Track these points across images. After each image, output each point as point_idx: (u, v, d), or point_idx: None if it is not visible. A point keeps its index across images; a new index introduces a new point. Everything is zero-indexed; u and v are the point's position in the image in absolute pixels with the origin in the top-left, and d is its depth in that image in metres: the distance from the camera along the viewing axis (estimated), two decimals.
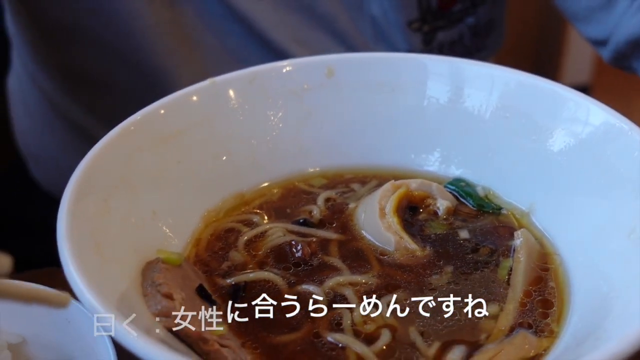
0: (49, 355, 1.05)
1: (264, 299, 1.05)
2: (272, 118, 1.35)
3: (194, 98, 1.27)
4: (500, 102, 1.28)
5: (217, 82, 1.30)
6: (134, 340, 0.78)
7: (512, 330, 1.00)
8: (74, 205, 0.97)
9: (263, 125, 1.34)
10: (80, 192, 1.00)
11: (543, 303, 1.05)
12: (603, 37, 1.60)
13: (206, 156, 1.27)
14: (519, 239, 1.14)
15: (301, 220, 1.22)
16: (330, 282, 1.08)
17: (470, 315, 1.02)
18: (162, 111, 1.22)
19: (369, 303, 1.04)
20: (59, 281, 0.87)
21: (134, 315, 0.87)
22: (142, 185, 1.14)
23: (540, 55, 4.24)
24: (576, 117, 1.18)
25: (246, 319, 1.02)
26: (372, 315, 1.02)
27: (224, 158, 1.29)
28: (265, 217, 1.25)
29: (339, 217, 1.24)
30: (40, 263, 1.28)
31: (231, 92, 1.31)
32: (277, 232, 1.19)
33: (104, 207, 1.03)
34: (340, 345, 0.98)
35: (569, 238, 1.13)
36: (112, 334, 0.81)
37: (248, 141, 1.32)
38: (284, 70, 1.36)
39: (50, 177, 2.11)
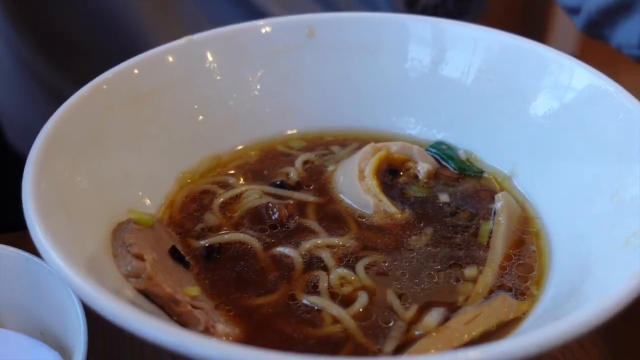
0: (17, 318, 1.03)
1: (238, 261, 1.04)
2: (250, 79, 1.32)
3: (169, 57, 1.24)
4: (483, 64, 1.26)
5: (194, 40, 1.26)
6: (102, 302, 0.75)
7: (491, 293, 0.99)
8: (40, 164, 0.93)
9: (241, 86, 1.31)
10: (48, 150, 0.96)
11: (523, 267, 1.04)
12: (576, 4, 1.59)
13: (181, 117, 1.24)
14: (499, 202, 1.12)
15: (278, 183, 1.21)
16: (307, 245, 1.06)
17: (448, 278, 1.01)
18: (136, 70, 1.19)
19: (346, 265, 1.03)
20: (32, 244, 0.84)
21: (102, 276, 0.84)
22: (115, 145, 1.11)
23: (527, 26, 4.21)
24: (560, 80, 1.16)
25: (220, 281, 1.01)
26: (349, 277, 1.00)
27: (200, 119, 1.26)
28: (241, 179, 1.23)
29: (317, 180, 1.23)
30: (15, 227, 1.25)
31: (208, 52, 1.28)
32: (253, 194, 1.17)
33: (72, 167, 1.00)
34: (316, 307, 0.96)
35: (551, 202, 1.12)
36: (80, 296, 0.78)
37: (225, 102, 1.29)
38: (264, 30, 1.33)
39: (25, 141, 2.07)
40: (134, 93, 1.17)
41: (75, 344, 0.93)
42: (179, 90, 1.24)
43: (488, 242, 1.08)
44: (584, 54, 1.18)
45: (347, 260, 1.04)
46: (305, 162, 1.27)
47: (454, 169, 1.24)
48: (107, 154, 1.09)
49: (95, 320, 0.89)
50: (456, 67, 1.28)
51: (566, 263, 1.01)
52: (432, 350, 0.89)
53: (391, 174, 1.22)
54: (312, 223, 1.11)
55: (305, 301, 0.97)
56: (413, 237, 1.09)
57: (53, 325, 1.01)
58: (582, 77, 1.13)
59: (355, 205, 1.15)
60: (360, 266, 1.02)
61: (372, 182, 1.16)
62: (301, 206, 1.16)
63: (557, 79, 1.17)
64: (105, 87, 1.12)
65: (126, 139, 1.14)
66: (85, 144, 1.05)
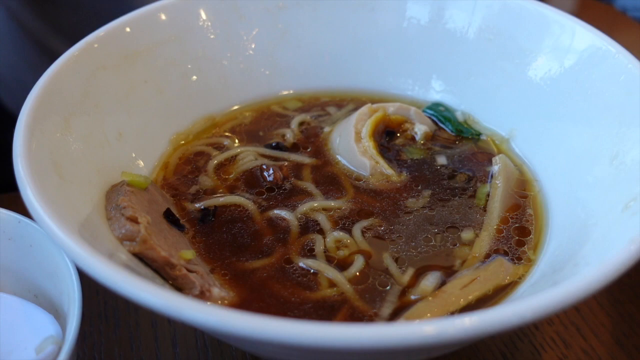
0: (10, 280, 1.02)
1: (233, 224, 1.03)
2: (245, 37, 1.29)
3: (162, 15, 1.21)
4: (483, 23, 1.23)
5: None
6: (96, 266, 0.74)
7: (487, 257, 0.99)
8: (31, 123, 0.92)
9: (235, 44, 1.28)
10: (39, 109, 0.95)
11: (520, 230, 1.03)
12: None
13: (175, 76, 1.22)
14: (497, 165, 1.12)
15: (273, 144, 1.19)
16: (303, 208, 1.05)
17: (445, 242, 1.01)
18: (128, 29, 1.16)
19: (342, 228, 1.02)
20: (24, 206, 0.83)
21: (95, 239, 0.83)
22: (107, 104, 1.09)
23: None
24: (561, 40, 1.14)
25: (215, 244, 1.00)
26: (346, 241, 1.00)
27: (194, 79, 1.24)
28: (237, 141, 1.22)
29: (313, 141, 1.21)
30: (7, 189, 1.24)
31: (202, 9, 1.25)
32: (248, 155, 1.16)
33: (64, 127, 0.99)
34: (312, 271, 0.96)
35: (549, 165, 1.11)
36: (73, 259, 0.77)
37: (219, 61, 1.27)
38: None
39: (17, 99, 2.04)
40: (125, 52, 1.15)
41: (69, 306, 0.93)
42: (172, 49, 1.21)
43: (485, 206, 1.07)
44: (581, 16, 1.16)
45: (344, 223, 1.03)
46: (301, 123, 1.25)
47: (452, 130, 1.23)
48: (99, 114, 1.07)
49: (89, 283, 0.88)
50: (455, 26, 1.26)
51: (564, 227, 1.00)
52: (428, 315, 0.89)
53: (388, 136, 1.20)
54: (308, 185, 1.11)
55: (301, 264, 0.97)
56: (410, 200, 1.08)
57: (47, 287, 1.00)
58: (584, 37, 1.11)
59: (351, 167, 1.15)
60: (356, 229, 1.02)
61: (368, 144, 1.15)
62: (297, 168, 1.15)
63: (558, 40, 1.15)
64: (96, 45, 1.10)
65: (119, 98, 1.12)
66: (78, 103, 1.03)
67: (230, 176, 1.13)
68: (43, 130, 0.93)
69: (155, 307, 0.69)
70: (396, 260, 0.97)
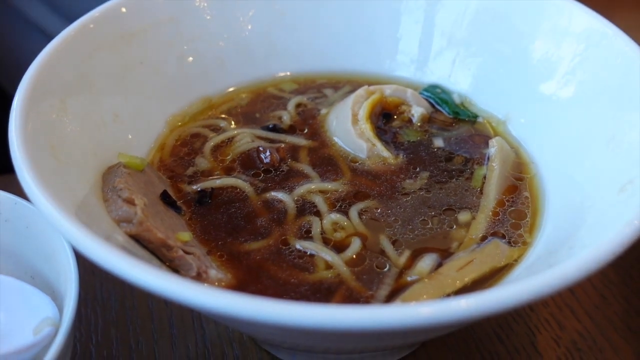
0: (7, 261, 1.02)
1: (230, 206, 1.03)
2: (242, 18, 1.28)
3: None
4: (480, 5, 1.23)
5: None
6: (92, 247, 0.74)
7: (483, 239, 0.99)
8: (27, 104, 0.91)
9: (232, 25, 1.27)
10: (35, 90, 0.94)
11: (516, 213, 1.03)
12: None
13: (171, 57, 1.21)
14: (493, 147, 1.11)
15: (270, 126, 1.19)
16: (300, 190, 1.05)
17: (442, 224, 1.01)
18: (124, 9, 1.15)
19: (339, 211, 1.02)
20: (21, 187, 0.82)
21: (92, 221, 0.83)
22: (103, 86, 1.09)
23: None
24: (559, 23, 1.14)
25: (212, 226, 1.00)
26: (343, 223, 1.00)
27: (190, 60, 1.23)
28: (233, 122, 1.21)
29: (310, 123, 1.21)
30: (2, 170, 1.23)
31: None
32: (245, 137, 1.16)
33: (60, 107, 0.98)
34: (308, 252, 0.96)
35: (546, 148, 1.11)
36: (70, 241, 0.77)
37: (215, 42, 1.26)
38: None
39: (13, 80, 2.03)
40: (121, 32, 1.14)
41: (66, 287, 0.93)
42: (168, 30, 1.21)
43: (482, 188, 1.07)
44: None
45: (340, 205, 1.04)
46: (298, 105, 1.25)
47: (449, 113, 1.23)
48: (95, 95, 1.07)
49: (86, 265, 0.88)
50: (452, 8, 1.26)
51: (560, 210, 1.01)
52: (425, 297, 0.89)
53: (385, 118, 1.20)
54: (305, 167, 1.11)
55: (298, 246, 0.97)
56: (407, 182, 1.08)
57: (43, 269, 1.00)
58: (581, 19, 1.11)
59: (348, 149, 1.15)
60: (353, 211, 1.02)
61: (365, 126, 1.15)
62: (294, 150, 1.14)
63: (555, 22, 1.14)
64: (92, 26, 1.09)
65: (115, 80, 1.11)
66: (73, 84, 1.03)
67: (227, 158, 1.13)
68: (39, 112, 0.93)
69: (152, 289, 0.69)
70: (393, 242, 0.98)
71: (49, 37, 1.03)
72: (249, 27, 1.29)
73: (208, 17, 1.25)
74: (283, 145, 1.14)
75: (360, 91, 1.19)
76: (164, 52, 1.20)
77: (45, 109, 0.95)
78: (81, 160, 0.97)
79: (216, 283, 0.90)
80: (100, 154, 1.01)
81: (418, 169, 1.11)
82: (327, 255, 0.95)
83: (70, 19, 1.08)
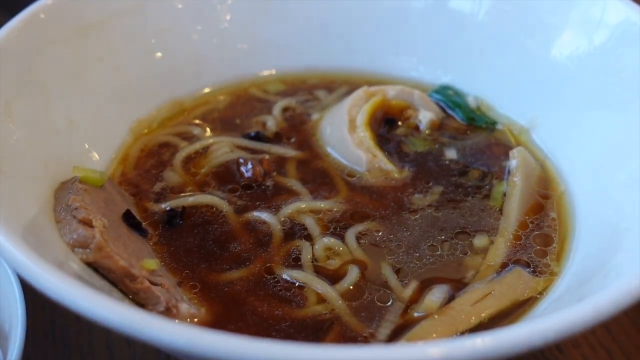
0: None
1: (205, 228, 1.04)
2: (219, 7, 1.30)
3: None
4: None
5: None
6: (42, 277, 0.74)
7: (503, 267, 0.99)
8: None
9: (207, 15, 1.29)
10: None
11: (542, 237, 1.04)
12: None
13: (136, 53, 1.22)
14: (514, 160, 1.12)
15: (252, 134, 1.19)
16: (288, 209, 1.06)
17: (454, 250, 1.01)
18: None
19: (333, 234, 1.02)
20: None
21: (42, 246, 0.84)
22: (56, 86, 1.09)
23: None
24: (590, 13, 1.15)
25: (183, 252, 1.00)
26: (337, 248, 1.00)
27: (158, 56, 1.25)
28: (208, 130, 1.22)
29: (299, 131, 1.22)
30: None
31: None
32: (222, 147, 1.16)
33: (5, 112, 0.99)
34: (297, 283, 0.96)
35: (576, 159, 1.12)
36: (16, 269, 0.78)
37: (188, 35, 1.28)
38: None
39: None
40: (78, 24, 1.15)
41: (11, 325, 0.93)
42: (133, 20, 1.22)
43: (501, 207, 1.08)
44: None
45: (335, 227, 1.04)
46: (285, 110, 1.26)
47: (462, 119, 1.24)
48: (46, 97, 1.07)
49: (35, 297, 0.88)
50: None
51: (592, 232, 1.01)
52: (434, 335, 0.89)
53: (387, 124, 1.21)
54: (293, 182, 1.11)
55: (284, 276, 0.97)
56: (413, 200, 1.09)
57: None
58: (617, 10, 1.12)
59: (344, 162, 1.15)
60: (350, 235, 1.02)
61: (364, 134, 1.15)
62: (280, 162, 1.15)
63: (586, 13, 1.16)
64: (43, 16, 1.10)
65: (69, 79, 1.12)
66: (21, 85, 1.03)
67: (201, 171, 1.13)
68: None
69: (112, 324, 0.69)
70: (397, 271, 0.98)
71: None
72: (228, 18, 1.30)
73: (179, 6, 1.26)
74: (267, 156, 1.15)
75: (359, 92, 1.20)
76: (128, 46, 1.21)
77: None
78: (30, 173, 0.97)
79: (188, 319, 0.90)
80: (52, 167, 1.02)
81: (426, 184, 1.12)
82: (319, 286, 0.95)
83: (13, 9, 1.09)
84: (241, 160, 1.12)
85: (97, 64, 1.16)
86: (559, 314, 0.70)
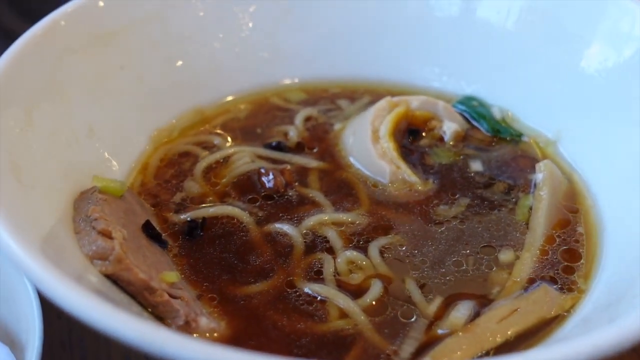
0: None
1: (225, 240, 1.03)
2: (241, 15, 1.29)
3: None
4: (525, 2, 1.23)
5: None
6: (60, 290, 0.73)
7: (530, 283, 0.98)
8: None
9: (229, 23, 1.28)
10: None
11: (569, 253, 1.02)
12: None
13: (157, 61, 1.22)
14: (541, 173, 1.11)
15: (274, 144, 1.19)
16: (310, 221, 1.05)
17: (479, 265, 1.00)
18: (101, 3, 1.16)
19: (356, 247, 1.01)
20: None
21: (60, 258, 0.83)
22: (76, 95, 1.09)
23: None
24: (619, 26, 1.14)
25: (203, 264, 1.00)
26: (360, 262, 0.99)
27: (179, 64, 1.24)
28: (229, 139, 1.22)
29: (321, 140, 1.21)
30: None
31: None
32: (243, 157, 1.16)
33: (25, 120, 0.98)
34: (319, 298, 0.95)
35: (603, 173, 1.11)
36: (33, 282, 0.77)
37: (209, 44, 1.27)
38: None
39: None
40: (98, 32, 1.14)
41: (28, 336, 0.93)
42: (154, 28, 1.21)
43: (527, 221, 1.07)
44: None
45: (358, 241, 1.03)
46: (307, 119, 1.25)
47: (487, 130, 1.23)
48: (67, 105, 1.07)
49: (52, 306, 0.87)
50: (493, 5, 1.26)
51: (621, 249, 1.00)
52: (459, 354, 0.88)
53: (411, 135, 1.20)
54: (315, 194, 1.10)
55: (306, 290, 0.96)
56: (438, 213, 1.08)
57: (2, 313, 1.00)
58: None
59: (367, 173, 1.15)
60: (373, 248, 1.01)
61: (388, 145, 1.14)
62: (302, 173, 1.14)
63: (615, 25, 1.14)
64: (63, 23, 1.10)
65: (89, 87, 1.12)
66: (41, 93, 1.03)
67: (222, 181, 1.13)
68: (0, 125, 0.93)
69: (131, 341, 0.69)
70: (421, 287, 0.97)
71: (11, 38, 1.04)
72: (250, 26, 1.30)
73: (201, 14, 1.26)
74: (289, 166, 1.14)
75: (382, 103, 1.19)
76: (149, 54, 1.21)
77: (6, 122, 0.95)
78: (49, 183, 0.97)
79: (207, 334, 0.89)
80: (72, 177, 1.01)
81: (451, 197, 1.10)
82: (342, 301, 0.94)
83: (34, 17, 1.09)
84: (262, 171, 1.12)
85: (118, 72, 1.16)
86: (588, 337, 0.68)
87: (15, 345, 0.96)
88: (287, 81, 1.33)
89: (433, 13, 1.30)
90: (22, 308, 0.95)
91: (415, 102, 1.21)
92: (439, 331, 0.91)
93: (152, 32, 1.21)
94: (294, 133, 1.22)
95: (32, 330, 0.92)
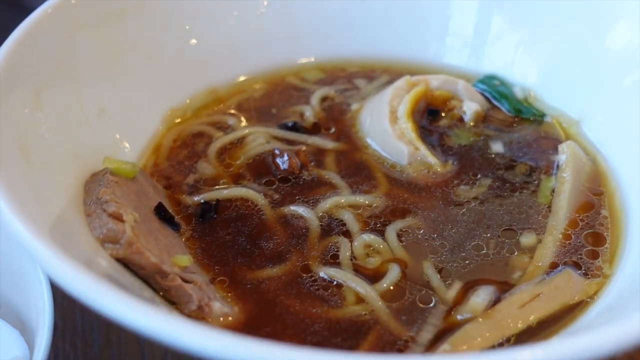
0: None
1: (239, 222, 1.02)
2: None
3: None
4: None
5: None
6: (69, 275, 0.72)
7: (552, 268, 0.96)
8: None
9: (245, 1, 1.27)
10: (4, 79, 0.92)
11: (593, 237, 1.00)
12: None
13: (170, 38, 1.21)
14: (564, 154, 1.09)
15: (289, 124, 1.18)
16: (326, 204, 1.03)
17: (500, 249, 0.98)
18: None
19: (373, 230, 1.00)
20: None
21: (70, 241, 0.82)
22: (86, 74, 1.08)
23: None
24: None
25: (216, 248, 0.98)
26: (377, 246, 0.98)
27: (193, 42, 1.23)
28: (244, 119, 1.21)
29: (338, 121, 1.20)
30: None
31: None
32: (258, 138, 1.15)
33: (34, 100, 0.97)
34: (335, 282, 0.94)
35: (629, 155, 1.08)
36: (43, 267, 0.76)
37: (224, 21, 1.26)
38: None
39: None
40: (110, 8, 1.13)
41: (38, 319, 0.92)
42: (167, 5, 1.20)
43: (550, 204, 1.05)
44: None
45: (375, 224, 1.01)
46: (324, 99, 1.24)
47: (509, 110, 1.21)
48: (76, 84, 1.06)
49: (62, 292, 0.87)
50: None
51: None
52: (479, 340, 0.86)
53: (430, 116, 1.19)
54: (331, 175, 1.09)
55: (322, 274, 0.95)
56: (462, 187, 1.07)
57: (11, 295, 1.00)
58: None
59: (385, 154, 1.13)
60: (391, 232, 1.00)
61: (406, 126, 1.13)
62: (318, 154, 1.13)
63: None
64: (73, 0, 1.08)
65: (100, 66, 1.11)
66: (50, 72, 1.02)
67: (236, 163, 1.12)
68: (8, 106, 0.92)
69: (143, 330, 0.67)
70: (440, 271, 0.95)
71: (21, 15, 1.02)
72: (265, 3, 1.29)
73: None
74: (304, 148, 1.13)
75: (401, 82, 1.18)
76: (161, 32, 1.20)
77: (15, 102, 0.94)
78: (59, 165, 0.96)
79: (221, 318, 0.88)
80: (82, 158, 1.00)
81: (471, 179, 1.09)
82: (358, 286, 0.93)
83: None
84: (277, 152, 1.11)
85: (130, 51, 1.15)
86: (615, 326, 0.66)
87: (25, 329, 0.96)
88: (304, 60, 1.32)
89: None
90: (32, 291, 0.95)
91: (434, 81, 1.20)
92: (458, 317, 0.90)
93: (166, 9, 1.20)
94: (310, 113, 1.21)
95: (42, 315, 0.91)
